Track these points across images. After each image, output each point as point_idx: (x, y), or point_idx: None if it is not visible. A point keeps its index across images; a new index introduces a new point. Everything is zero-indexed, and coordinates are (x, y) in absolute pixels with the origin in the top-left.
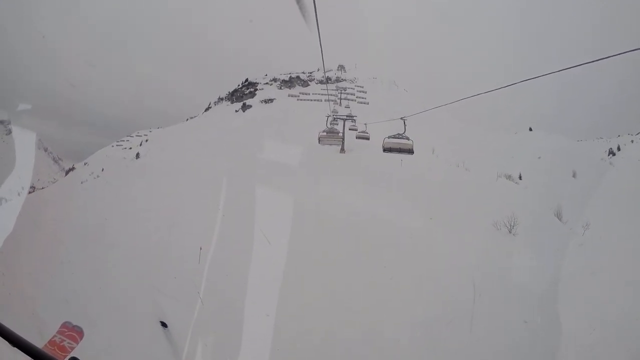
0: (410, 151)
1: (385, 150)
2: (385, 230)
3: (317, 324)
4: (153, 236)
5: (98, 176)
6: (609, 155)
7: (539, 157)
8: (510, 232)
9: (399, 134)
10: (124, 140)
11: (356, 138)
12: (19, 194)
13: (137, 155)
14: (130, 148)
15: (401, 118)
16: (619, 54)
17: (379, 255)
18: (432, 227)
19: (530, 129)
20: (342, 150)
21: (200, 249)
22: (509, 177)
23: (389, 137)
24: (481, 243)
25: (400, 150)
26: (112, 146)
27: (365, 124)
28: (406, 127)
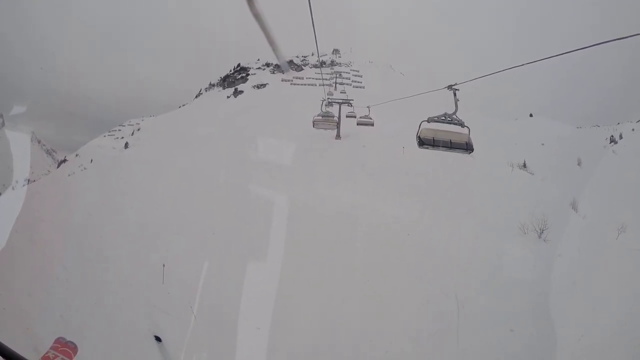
0: (467, 147)
1: (423, 144)
2: (385, 236)
3: (309, 337)
4: (143, 243)
5: (85, 168)
6: (610, 142)
7: (543, 144)
8: (540, 237)
9: (446, 114)
10: (115, 130)
11: (357, 124)
12: (13, 188)
13: (126, 145)
14: (122, 137)
15: (449, 87)
16: (615, 39)
17: (374, 265)
18: (444, 231)
19: (531, 115)
20: (338, 136)
21: (164, 266)
22: (523, 166)
23: (428, 121)
24: (507, 250)
25: (451, 145)
26: (104, 136)
27: (369, 107)
28: (458, 102)
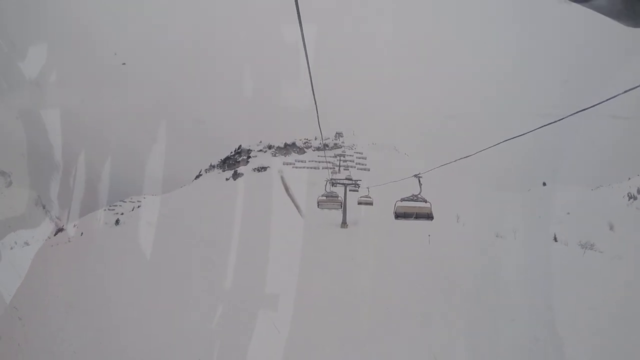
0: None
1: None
2: None
3: None
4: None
5: (70, 241)
6: (629, 199)
7: (568, 213)
8: None
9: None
10: (116, 205)
11: (396, 217)
12: (11, 248)
13: (117, 222)
14: (122, 214)
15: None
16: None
17: None
18: None
19: (544, 184)
20: (344, 223)
21: None
22: (591, 246)
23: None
24: None
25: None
26: (104, 209)
27: (419, 178)
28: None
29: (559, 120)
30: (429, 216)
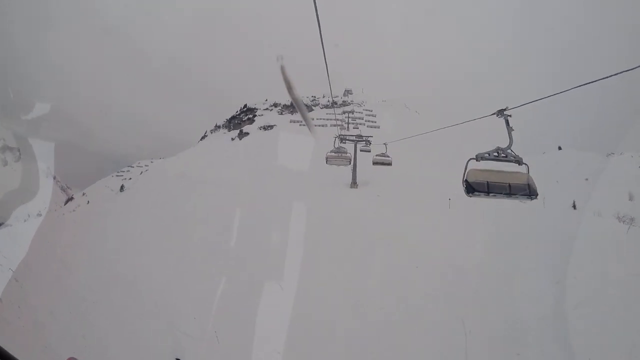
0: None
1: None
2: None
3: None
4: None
5: (74, 210)
6: None
7: (587, 179)
8: None
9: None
10: (124, 171)
11: (477, 187)
12: (24, 220)
13: (122, 188)
14: (130, 179)
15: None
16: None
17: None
18: None
19: (560, 148)
20: (354, 183)
21: None
22: (631, 220)
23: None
24: None
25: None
26: (112, 176)
27: (505, 118)
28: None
29: (575, 88)
30: (530, 189)
